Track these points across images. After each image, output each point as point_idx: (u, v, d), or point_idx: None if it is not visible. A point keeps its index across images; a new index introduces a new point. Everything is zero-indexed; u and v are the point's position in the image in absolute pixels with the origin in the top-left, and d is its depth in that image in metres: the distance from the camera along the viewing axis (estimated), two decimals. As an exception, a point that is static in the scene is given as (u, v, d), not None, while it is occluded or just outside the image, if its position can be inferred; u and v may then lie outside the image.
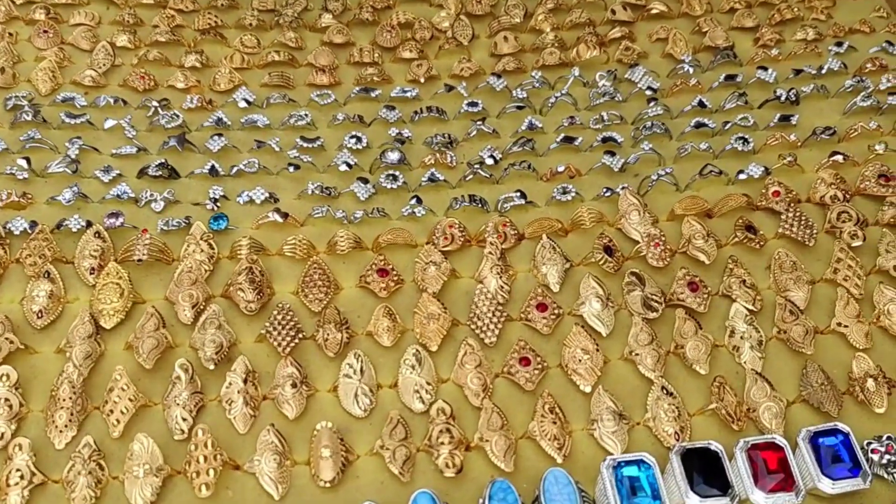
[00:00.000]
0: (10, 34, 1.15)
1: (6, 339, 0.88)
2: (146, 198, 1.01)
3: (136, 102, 1.11)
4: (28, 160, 1.02)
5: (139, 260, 0.94)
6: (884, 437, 0.84)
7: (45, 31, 1.16)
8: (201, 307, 0.93)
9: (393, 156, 1.06)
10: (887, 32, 1.22)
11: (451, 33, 1.22)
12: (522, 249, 1.00)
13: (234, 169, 1.04)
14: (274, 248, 0.98)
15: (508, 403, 0.89)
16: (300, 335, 0.92)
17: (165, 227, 0.98)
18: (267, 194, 1.02)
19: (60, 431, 0.84)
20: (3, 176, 1.01)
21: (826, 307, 0.95)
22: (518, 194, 1.03)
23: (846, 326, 0.93)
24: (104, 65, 1.14)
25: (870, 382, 0.88)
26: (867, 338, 0.92)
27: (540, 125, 1.11)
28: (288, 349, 0.90)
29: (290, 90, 1.15)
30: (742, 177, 1.05)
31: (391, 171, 1.05)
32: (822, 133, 1.08)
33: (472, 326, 0.94)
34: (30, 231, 0.96)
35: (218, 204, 1.01)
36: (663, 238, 0.99)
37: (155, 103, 1.10)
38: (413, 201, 1.02)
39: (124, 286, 0.93)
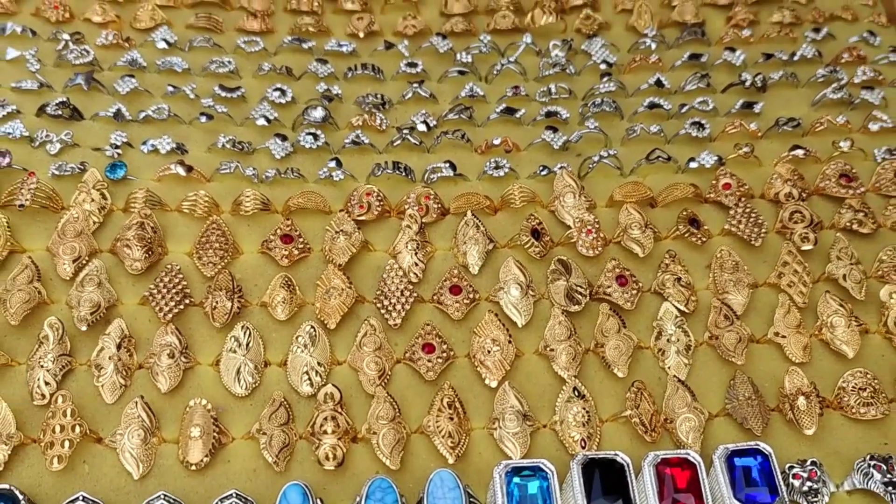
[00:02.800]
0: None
1: None
2: (41, 138, 0.92)
3: (47, 34, 1.02)
4: (-85, 88, 0.93)
5: (21, 205, 0.86)
6: (808, 462, 0.76)
7: (-43, -50, 1.06)
8: (83, 262, 0.85)
9: (316, 113, 0.97)
10: (870, 22, 1.13)
11: (399, -13, 1.13)
12: (445, 225, 0.92)
13: (143, 114, 0.96)
14: (174, 203, 0.90)
15: (406, 394, 0.81)
16: (187, 301, 0.84)
17: (58, 172, 0.90)
18: (174, 144, 0.94)
19: None
20: None
21: (766, 314, 0.87)
22: (447, 165, 0.94)
23: (784, 337, 0.85)
24: (17, -9, 1.05)
25: (801, 400, 0.80)
26: (805, 351, 0.84)
27: (482, 93, 1.02)
28: (170, 315, 0.82)
29: (216, 34, 1.06)
30: (693, 165, 0.96)
31: (312, 130, 0.96)
32: (785, 124, 0.99)
33: (378, 305, 0.86)
34: None
35: (119, 151, 0.93)
36: (597, 225, 0.90)
37: (66, 37, 1.01)
38: (332, 164, 0.94)
39: (1, 233, 0.85)
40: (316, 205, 0.90)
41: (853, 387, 0.82)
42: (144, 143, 0.94)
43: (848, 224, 0.92)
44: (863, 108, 1.03)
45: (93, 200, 0.88)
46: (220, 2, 1.08)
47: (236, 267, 0.87)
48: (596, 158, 0.95)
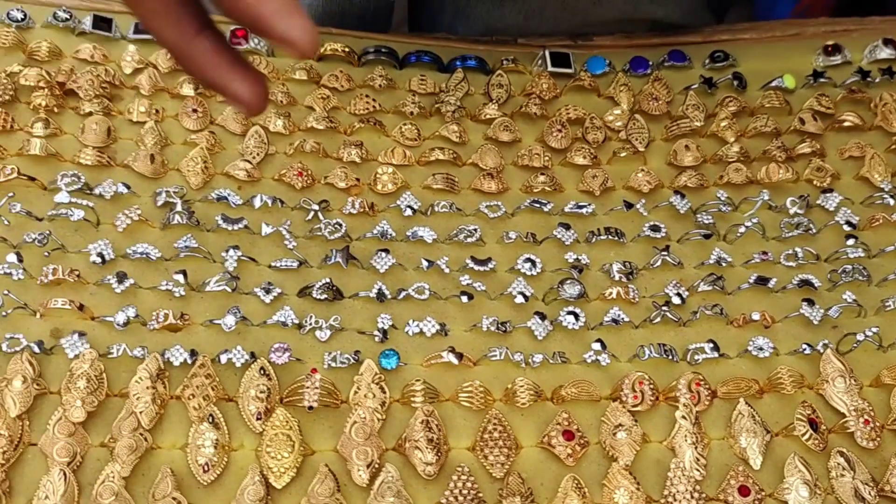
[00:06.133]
0: (157, 111, 1.07)
1: (174, 499, 0.81)
2: (310, 324, 0.93)
3: (294, 202, 1.03)
4: (185, 273, 0.94)
5: (310, 407, 0.87)
6: None
7: (195, 111, 1.07)
8: (376, 466, 0.86)
9: (572, 290, 0.97)
10: None
11: (624, 134, 1.12)
12: (715, 412, 0.92)
13: (403, 293, 0.96)
14: (446, 391, 0.91)
15: None
16: (483, 508, 0.85)
17: (333, 364, 0.91)
18: (438, 326, 0.94)
19: None
20: (157, 291, 0.94)
21: None
22: (711, 345, 0.94)
23: None
24: (257, 154, 1.05)
25: None
26: None
27: (729, 259, 1.02)
28: (472, 528, 0.83)
29: (454, 195, 1.06)
30: (955, 341, 0.96)
31: (571, 308, 0.96)
32: None
33: (668, 508, 0.86)
34: (189, 362, 0.89)
35: (387, 336, 0.93)
36: (872, 413, 0.90)
37: (315, 207, 1.01)
38: (598, 346, 0.94)
39: (294, 438, 0.86)
40: (588, 394, 0.91)
41: None
42: (409, 324, 0.94)
43: None
44: None
45: (374, 396, 0.89)
46: (453, 159, 1.08)
47: (519, 464, 0.88)
48: (861, 338, 0.95)
